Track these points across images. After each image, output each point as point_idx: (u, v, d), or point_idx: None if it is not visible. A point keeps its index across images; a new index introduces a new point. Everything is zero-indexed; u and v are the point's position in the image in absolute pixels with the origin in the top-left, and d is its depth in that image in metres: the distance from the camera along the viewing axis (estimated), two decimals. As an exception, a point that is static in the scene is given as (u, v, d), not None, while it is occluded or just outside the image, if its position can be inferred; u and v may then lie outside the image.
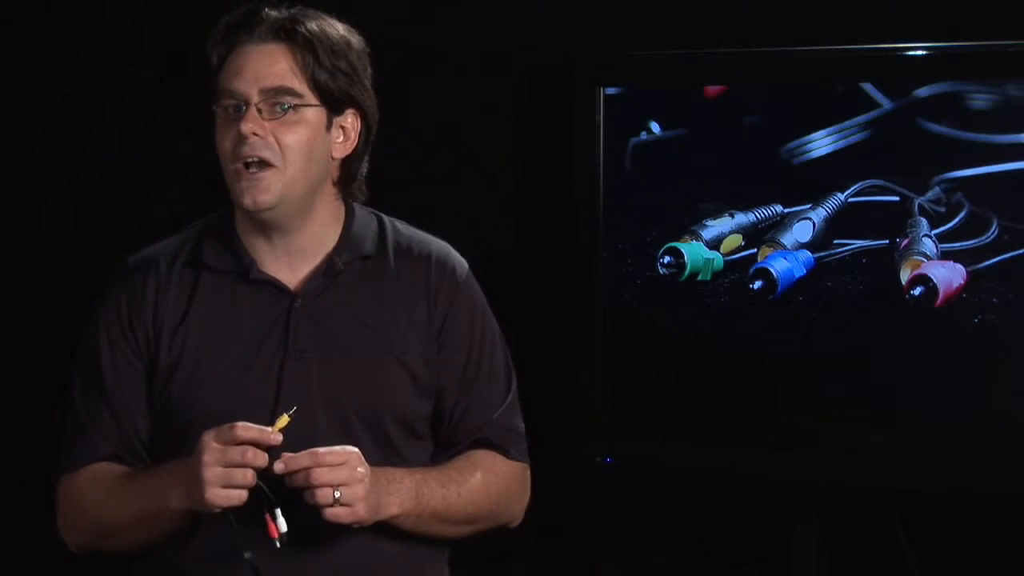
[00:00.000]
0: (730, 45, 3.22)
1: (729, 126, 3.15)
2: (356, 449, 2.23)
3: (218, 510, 2.17)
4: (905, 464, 3.05)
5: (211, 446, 2.16)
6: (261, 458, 2.16)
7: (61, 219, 3.63)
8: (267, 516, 2.17)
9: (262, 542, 2.18)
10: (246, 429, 2.16)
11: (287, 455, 2.19)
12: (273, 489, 2.18)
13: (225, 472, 2.15)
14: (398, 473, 2.29)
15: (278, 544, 2.17)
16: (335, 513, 2.19)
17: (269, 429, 2.17)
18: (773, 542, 3.24)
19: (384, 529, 2.29)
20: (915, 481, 3.05)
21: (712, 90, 3.16)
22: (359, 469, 2.21)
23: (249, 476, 2.16)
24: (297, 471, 2.18)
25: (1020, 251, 2.95)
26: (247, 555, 2.17)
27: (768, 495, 3.23)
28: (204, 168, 2.47)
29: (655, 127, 3.21)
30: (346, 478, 2.19)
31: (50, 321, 3.58)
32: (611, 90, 3.22)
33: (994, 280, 2.96)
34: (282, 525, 2.17)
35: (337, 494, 2.18)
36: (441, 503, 2.32)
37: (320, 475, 2.18)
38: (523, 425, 2.47)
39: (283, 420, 2.19)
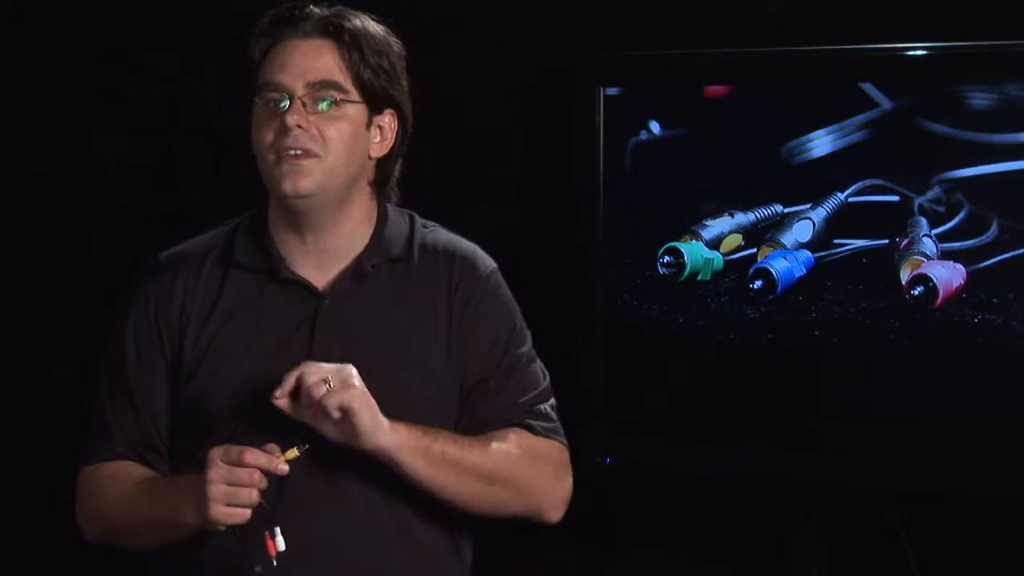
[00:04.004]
0: (730, 45, 3.22)
1: (729, 126, 3.15)
2: None
3: (222, 528, 2.17)
4: (905, 464, 3.05)
5: (218, 464, 2.16)
6: (265, 481, 2.17)
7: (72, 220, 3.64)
8: (267, 534, 2.17)
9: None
10: (255, 456, 2.16)
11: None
12: (274, 508, 2.19)
13: (230, 490, 2.16)
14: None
15: (274, 563, 2.17)
16: (331, 400, 2.16)
17: (278, 457, 2.17)
18: (773, 542, 3.24)
19: (397, 535, 2.29)
20: (915, 481, 3.05)
21: (712, 90, 3.16)
22: (347, 369, 2.21)
23: (254, 495, 2.16)
24: (291, 388, 2.18)
25: (1020, 251, 2.95)
26: (258, 569, 2.18)
27: (768, 495, 3.23)
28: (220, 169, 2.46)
29: (655, 127, 3.21)
30: (334, 371, 2.19)
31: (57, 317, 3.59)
32: (611, 90, 3.22)
33: (994, 280, 2.97)
34: (280, 544, 2.17)
35: (329, 386, 2.17)
36: (453, 448, 2.27)
37: (310, 370, 2.18)
38: (555, 415, 2.41)
39: (292, 453, 2.18)
